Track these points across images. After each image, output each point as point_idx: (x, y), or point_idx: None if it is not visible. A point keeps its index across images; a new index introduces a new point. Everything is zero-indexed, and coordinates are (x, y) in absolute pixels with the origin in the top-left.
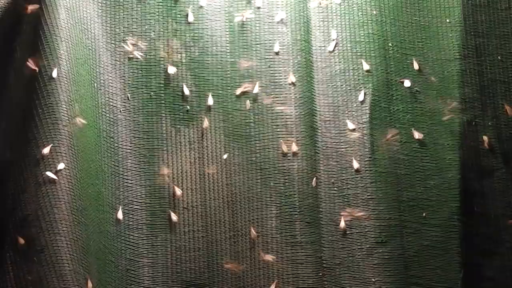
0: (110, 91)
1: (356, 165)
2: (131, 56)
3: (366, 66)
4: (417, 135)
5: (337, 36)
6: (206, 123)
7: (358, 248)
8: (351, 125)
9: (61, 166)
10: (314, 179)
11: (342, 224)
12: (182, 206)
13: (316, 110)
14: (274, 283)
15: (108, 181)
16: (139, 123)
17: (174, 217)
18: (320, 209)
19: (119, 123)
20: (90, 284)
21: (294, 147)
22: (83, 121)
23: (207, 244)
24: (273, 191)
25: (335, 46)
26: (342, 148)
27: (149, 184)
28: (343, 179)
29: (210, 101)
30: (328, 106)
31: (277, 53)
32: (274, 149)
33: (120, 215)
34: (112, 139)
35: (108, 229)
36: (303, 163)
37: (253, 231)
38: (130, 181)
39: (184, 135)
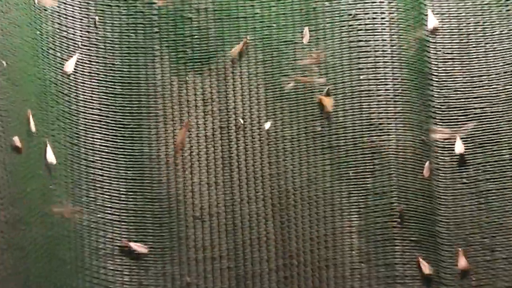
0: (64, 12)
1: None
2: None
3: None
4: None
5: None
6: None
7: (503, 276)
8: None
9: None
10: (427, 164)
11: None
12: (192, 214)
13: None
14: None
15: (63, 163)
16: (113, 66)
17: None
18: (437, 217)
19: (79, 68)
20: None
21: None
22: (17, 66)
23: (236, 278)
24: (352, 185)
25: None
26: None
27: (132, 166)
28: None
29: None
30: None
31: None
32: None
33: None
34: (68, 97)
35: (62, 233)
36: (405, 133)
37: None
38: (98, 162)
39: (195, 87)
